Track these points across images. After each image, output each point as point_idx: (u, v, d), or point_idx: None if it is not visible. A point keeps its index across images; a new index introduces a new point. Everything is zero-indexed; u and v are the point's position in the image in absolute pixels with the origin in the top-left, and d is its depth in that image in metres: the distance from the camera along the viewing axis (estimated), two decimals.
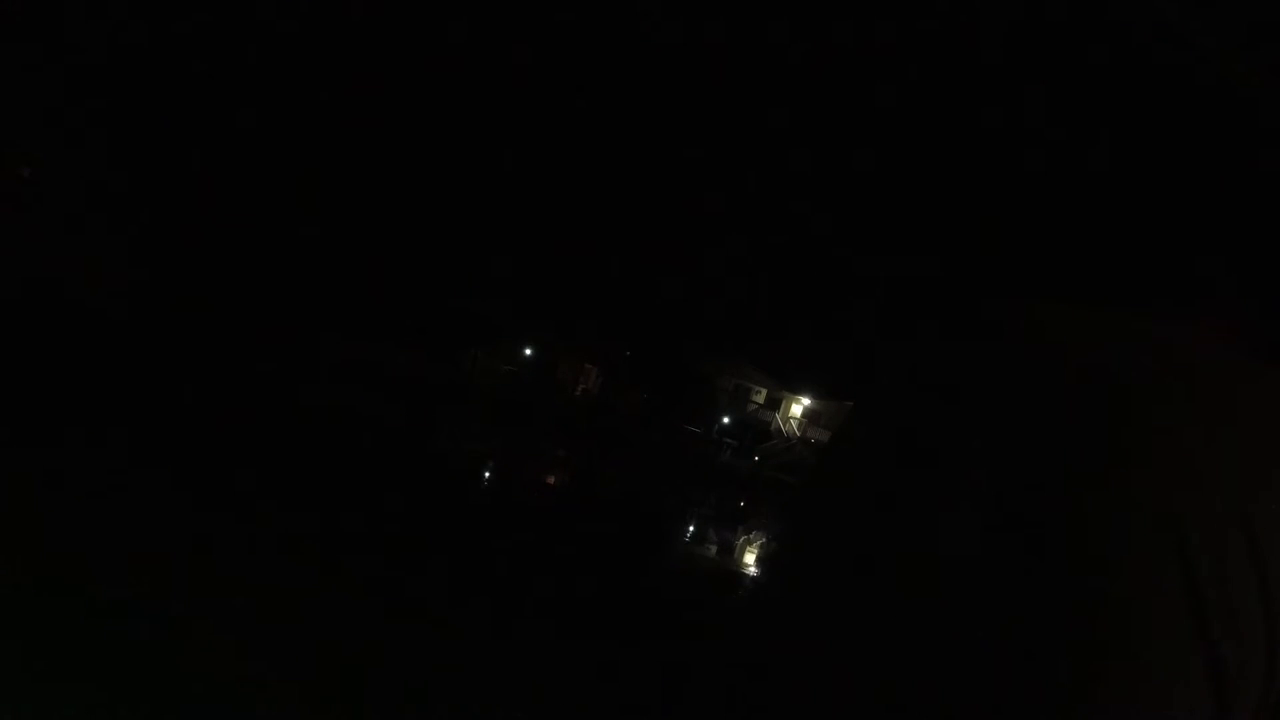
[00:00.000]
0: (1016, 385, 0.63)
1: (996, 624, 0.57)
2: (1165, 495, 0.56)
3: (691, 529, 19.98)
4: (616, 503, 20.70)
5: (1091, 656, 0.54)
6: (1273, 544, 0.56)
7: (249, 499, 8.48)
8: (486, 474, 18.54)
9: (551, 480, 21.85)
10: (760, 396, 42.76)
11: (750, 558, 16.06)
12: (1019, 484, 0.59)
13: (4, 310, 16.79)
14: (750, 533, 19.88)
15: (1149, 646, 0.54)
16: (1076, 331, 0.65)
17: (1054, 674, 0.55)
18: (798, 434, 40.83)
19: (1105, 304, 0.69)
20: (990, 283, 0.78)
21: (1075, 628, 0.55)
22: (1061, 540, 0.57)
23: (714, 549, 16.92)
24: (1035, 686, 0.55)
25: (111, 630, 4.50)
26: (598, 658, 6.58)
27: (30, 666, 3.84)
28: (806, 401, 42.14)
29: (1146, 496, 0.56)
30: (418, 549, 8.69)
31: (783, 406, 42.40)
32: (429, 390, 29.23)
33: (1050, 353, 0.64)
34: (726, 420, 40.39)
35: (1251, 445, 0.58)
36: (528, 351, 40.15)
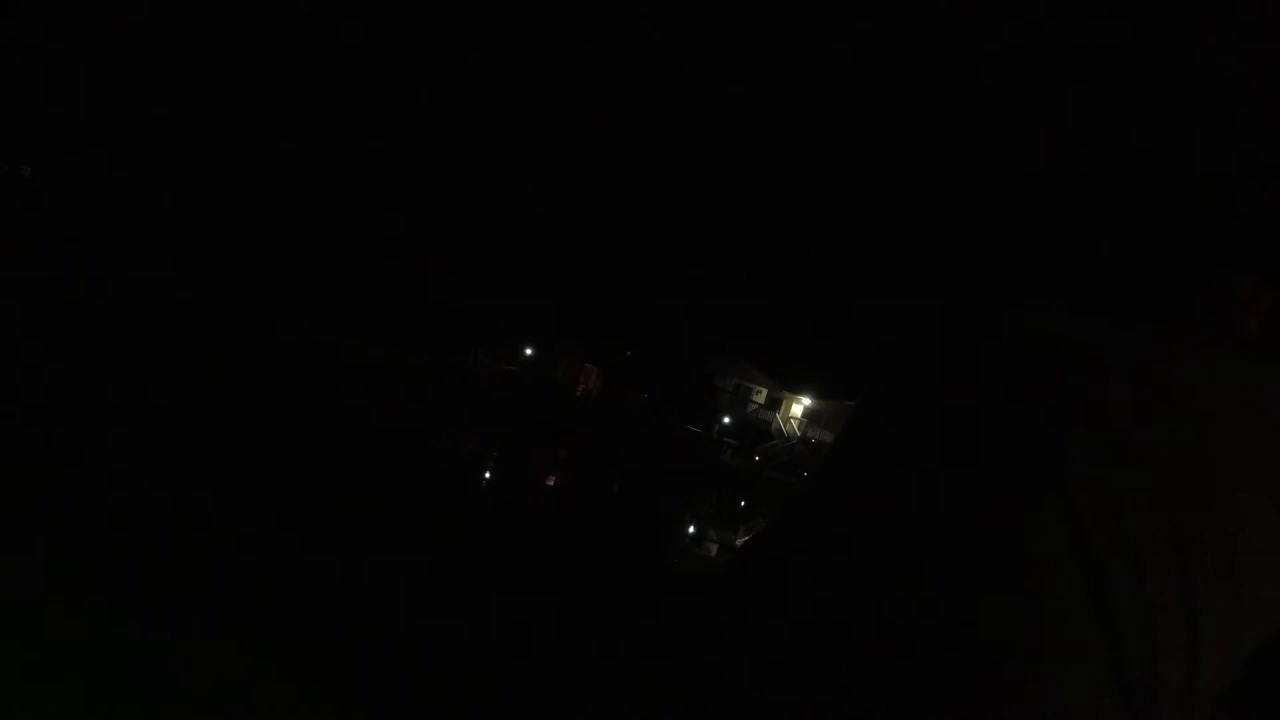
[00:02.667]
0: (1004, 389, 0.63)
1: (944, 619, 0.57)
2: (1087, 516, 0.56)
3: (692, 529, 19.97)
4: (616, 503, 20.69)
5: (1002, 663, 0.54)
6: (1213, 561, 0.56)
7: (248, 498, 8.47)
8: (486, 474, 18.53)
9: (551, 480, 21.85)
10: (761, 396, 42.74)
11: None
12: (979, 494, 0.60)
13: (4, 310, 16.79)
14: (751, 533, 19.84)
15: (1050, 650, 0.54)
16: (1074, 339, 0.65)
17: (969, 680, 0.55)
18: (798, 434, 40.81)
19: (1107, 310, 0.69)
20: (993, 290, 0.78)
21: (990, 633, 0.55)
22: (987, 546, 0.57)
23: (715, 549, 16.92)
24: (953, 687, 0.55)
25: (110, 630, 4.49)
26: (596, 658, 6.58)
27: (29, 666, 3.83)
28: (807, 401, 42.12)
29: (1069, 514, 0.56)
30: (417, 549, 8.68)
31: (783, 406, 42.38)
32: (429, 390, 29.22)
33: (1044, 361, 0.64)
34: (727, 420, 40.37)
35: (1216, 462, 0.58)
36: (528, 351, 40.15)
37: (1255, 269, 0.67)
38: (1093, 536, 0.55)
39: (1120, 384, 0.61)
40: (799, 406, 42.34)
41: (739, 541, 18.31)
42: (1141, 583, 0.55)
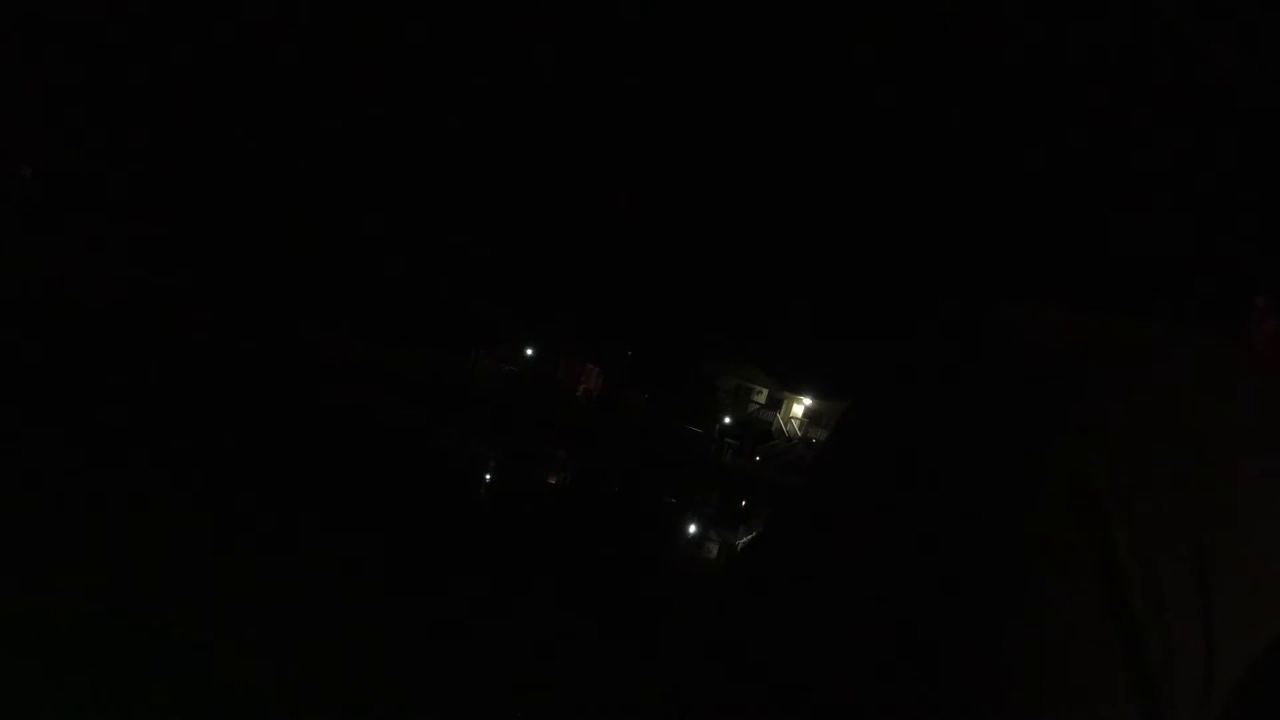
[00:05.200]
0: (999, 388, 0.63)
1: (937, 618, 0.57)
2: (1093, 488, 0.56)
3: (693, 529, 19.98)
4: (617, 503, 20.70)
5: (1006, 659, 0.54)
6: (1224, 562, 0.55)
7: (249, 498, 8.48)
8: (488, 474, 18.54)
9: (553, 480, 21.85)
10: (761, 397, 42.76)
11: None
12: (977, 495, 0.59)
13: (4, 310, 16.80)
14: (752, 533, 19.86)
15: (1066, 648, 0.54)
16: (1067, 337, 0.64)
17: (971, 676, 0.54)
18: (799, 434, 40.83)
19: (1107, 308, 0.69)
20: (990, 286, 0.77)
21: (991, 627, 0.55)
22: (1003, 554, 0.57)
23: (715, 549, 16.93)
24: (954, 688, 0.54)
25: (111, 630, 4.49)
26: (597, 658, 6.58)
27: (29, 667, 3.84)
28: (807, 401, 42.14)
29: (1072, 493, 0.56)
30: (420, 549, 8.69)
31: (784, 407, 42.40)
32: (430, 390, 29.24)
33: (1037, 357, 0.63)
34: (728, 420, 40.38)
35: (1221, 462, 0.58)
36: (529, 351, 40.16)
37: (1270, 288, 0.67)
38: (1118, 547, 0.55)
39: (1131, 384, 0.60)
40: (799, 407, 42.36)
41: (739, 542, 18.33)
42: (1159, 585, 0.55)
